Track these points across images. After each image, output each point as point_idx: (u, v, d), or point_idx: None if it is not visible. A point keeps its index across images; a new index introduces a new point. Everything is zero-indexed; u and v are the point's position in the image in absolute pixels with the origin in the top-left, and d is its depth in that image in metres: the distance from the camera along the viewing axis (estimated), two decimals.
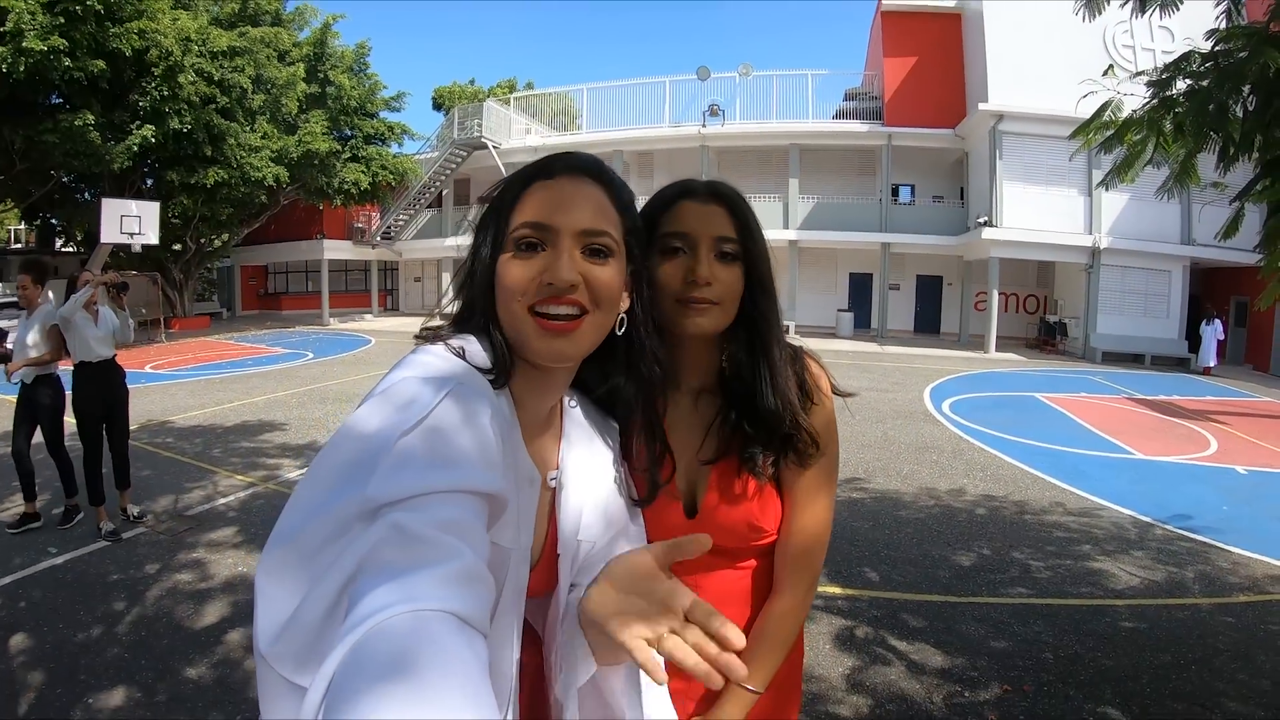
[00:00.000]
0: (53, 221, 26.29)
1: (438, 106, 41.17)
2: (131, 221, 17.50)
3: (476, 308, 0.94)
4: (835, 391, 1.32)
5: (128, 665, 3.46)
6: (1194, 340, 20.52)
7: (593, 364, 1.04)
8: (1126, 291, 20.80)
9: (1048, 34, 19.97)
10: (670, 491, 1.23)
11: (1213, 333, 19.19)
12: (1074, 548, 5.43)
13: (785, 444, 1.23)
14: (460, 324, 0.96)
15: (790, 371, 1.25)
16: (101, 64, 16.02)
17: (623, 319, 0.99)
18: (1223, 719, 3.31)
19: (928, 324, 27.12)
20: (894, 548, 5.26)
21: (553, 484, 1.02)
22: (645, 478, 1.13)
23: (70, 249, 29.68)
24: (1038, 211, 20.63)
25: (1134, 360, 20.13)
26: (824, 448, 1.26)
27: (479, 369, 0.87)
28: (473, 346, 0.89)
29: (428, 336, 0.93)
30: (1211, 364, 19.25)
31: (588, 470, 1.05)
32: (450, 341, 0.89)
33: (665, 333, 1.22)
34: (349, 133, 25.49)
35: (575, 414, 1.09)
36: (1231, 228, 4.50)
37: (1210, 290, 22.49)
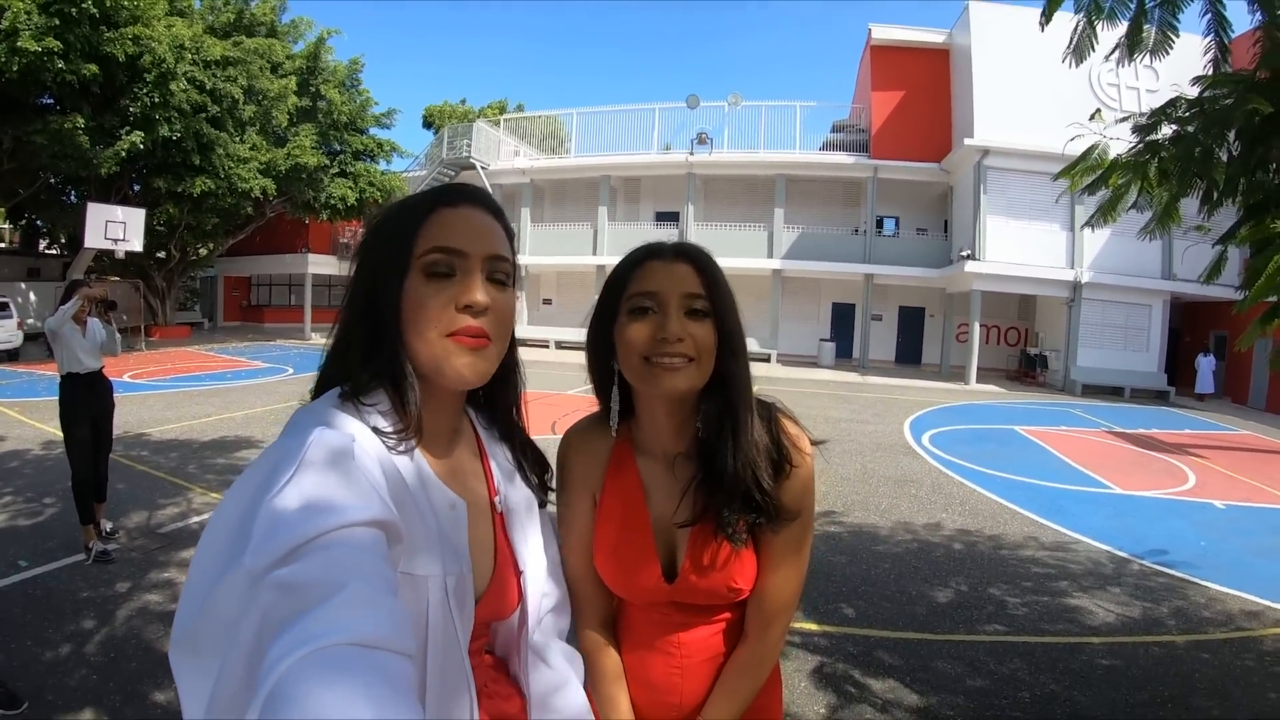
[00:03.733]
0: (38, 223, 26.10)
1: (428, 125, 41.26)
2: (116, 227, 17.40)
3: (386, 339, 0.93)
4: (811, 442, 1.31)
5: (96, 688, 3.40)
6: (1174, 373, 20.97)
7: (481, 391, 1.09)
8: (1107, 325, 21.09)
9: (1034, 71, 20.27)
10: (648, 555, 1.26)
11: (1208, 364, 20.07)
12: (1050, 584, 5.45)
13: (754, 509, 1.21)
14: (368, 360, 0.94)
15: (762, 432, 1.24)
16: (94, 68, 15.96)
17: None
18: None
19: (909, 355, 27.32)
20: (871, 583, 5.25)
21: (500, 508, 1.06)
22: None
23: (54, 251, 29.46)
24: (1020, 245, 20.90)
25: (1114, 393, 20.35)
26: (798, 512, 1.25)
27: (383, 430, 0.88)
28: (367, 411, 0.89)
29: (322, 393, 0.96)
30: (1209, 391, 20.18)
31: (515, 487, 1.11)
32: (346, 403, 0.90)
33: (636, 395, 1.26)
34: (338, 148, 25.50)
35: (488, 433, 1.13)
36: (1215, 270, 4.56)
37: (1190, 324, 22.91)
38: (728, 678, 1.29)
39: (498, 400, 1.14)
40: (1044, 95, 20.26)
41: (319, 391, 0.97)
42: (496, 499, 1.07)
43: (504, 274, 0.97)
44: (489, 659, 1.08)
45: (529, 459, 1.16)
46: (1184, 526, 7.35)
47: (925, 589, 5.20)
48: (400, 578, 0.79)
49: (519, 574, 1.06)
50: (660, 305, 1.18)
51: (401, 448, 0.89)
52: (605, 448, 1.32)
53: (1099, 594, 5.29)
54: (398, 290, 0.92)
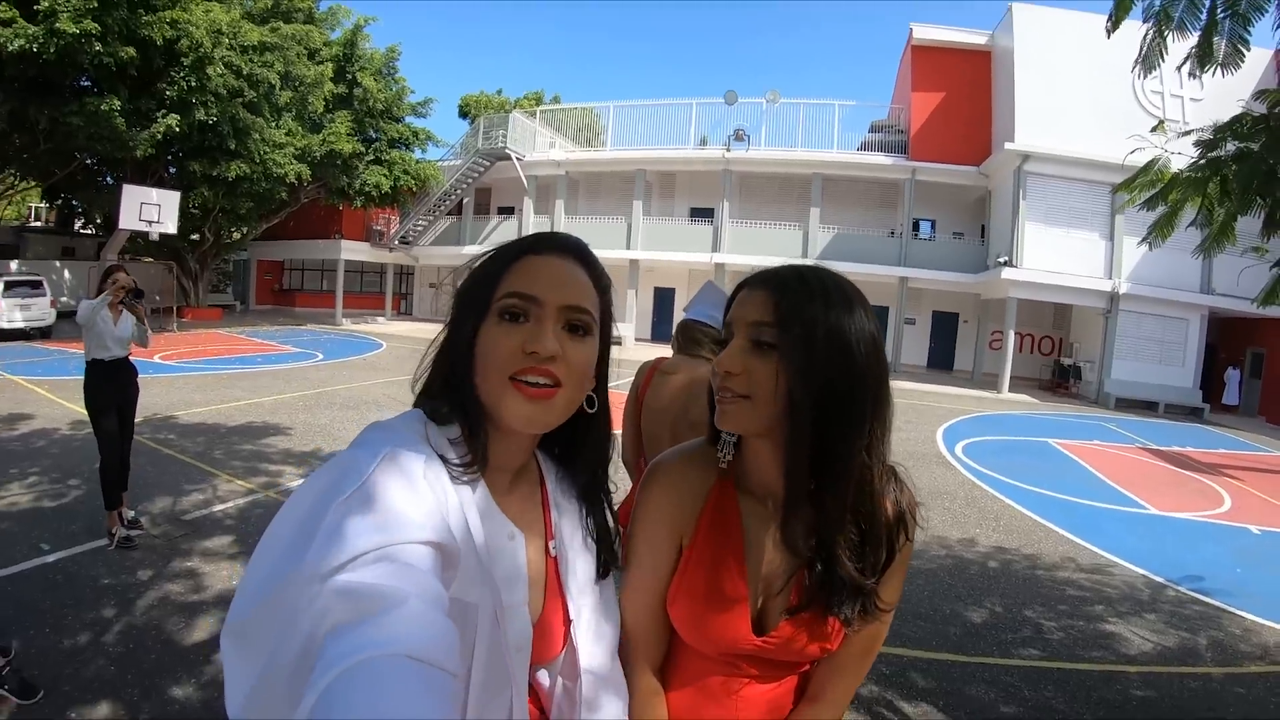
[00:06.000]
0: (73, 203, 26.45)
1: (463, 114, 41.36)
2: (151, 209, 17.63)
3: (458, 375, 0.96)
4: None
5: (113, 679, 3.36)
6: (1209, 390, 20.70)
7: (558, 440, 1.10)
8: (1143, 338, 20.65)
9: (1076, 76, 19.98)
10: (740, 608, 1.13)
11: (1235, 377, 20.60)
12: (1086, 608, 5.30)
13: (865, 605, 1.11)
14: (446, 393, 0.97)
15: (891, 505, 1.13)
16: (132, 51, 16.13)
17: (593, 398, 1.03)
18: None
19: (941, 360, 27.02)
20: (905, 600, 5.04)
21: (554, 553, 1.05)
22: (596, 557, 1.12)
23: (89, 231, 29.88)
24: (1058, 253, 20.52)
25: (1147, 408, 19.99)
26: (898, 590, 1.18)
27: (450, 460, 0.89)
28: (437, 437, 0.91)
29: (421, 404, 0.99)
30: (1234, 403, 20.68)
31: (578, 543, 1.09)
32: (417, 424, 0.92)
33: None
34: (373, 135, 25.59)
35: (558, 484, 1.11)
36: (1272, 293, 4.42)
37: (1226, 340, 22.41)
38: None
39: (576, 456, 1.11)
40: (1087, 101, 19.95)
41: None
42: (552, 543, 1.05)
43: (583, 324, 0.96)
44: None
45: (598, 528, 1.13)
46: (1220, 551, 7.18)
47: (960, 608, 5.08)
48: (451, 603, 0.78)
49: (568, 622, 1.04)
50: (732, 335, 1.11)
51: (465, 478, 0.90)
52: (704, 485, 1.18)
53: (1135, 620, 5.15)
54: (474, 330, 0.94)
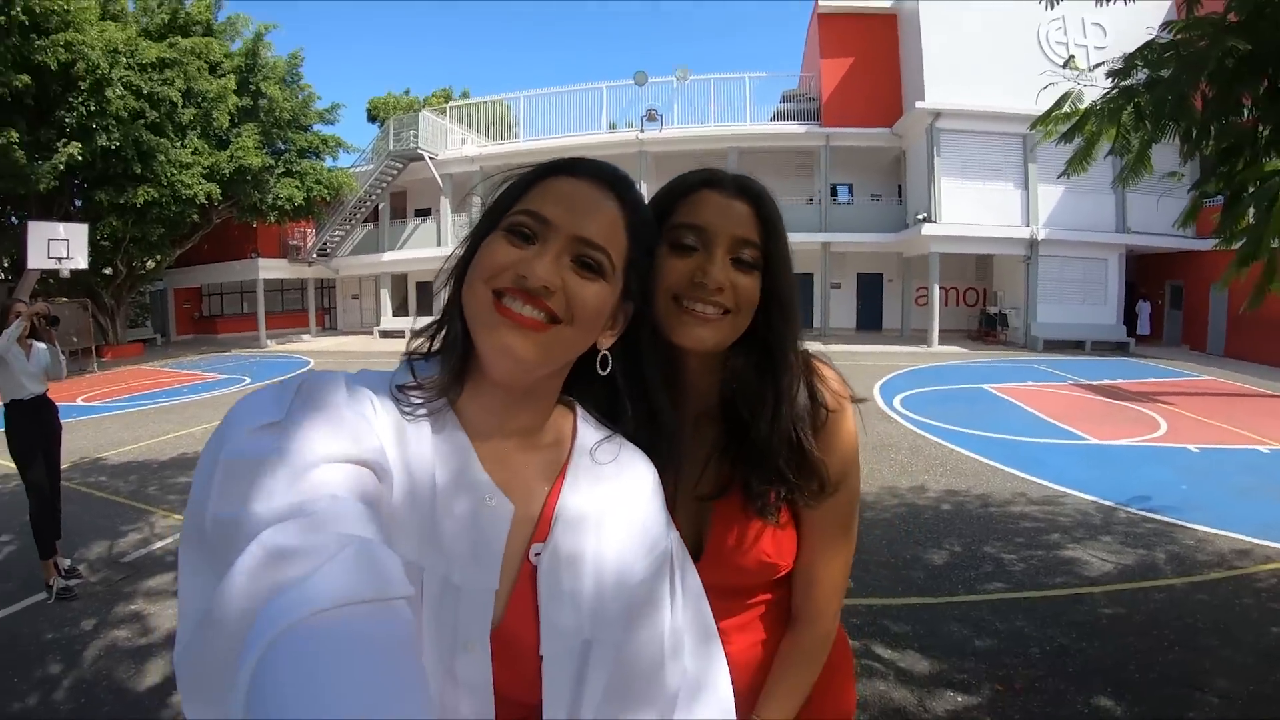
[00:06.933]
0: None
1: (372, 118, 40.33)
2: (59, 245, 16.80)
3: (450, 299, 0.85)
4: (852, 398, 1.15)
5: None
6: (1132, 325, 21.58)
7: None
8: (1065, 280, 21.29)
9: (982, 32, 20.35)
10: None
11: (1145, 309, 21.81)
12: (1043, 538, 5.43)
13: (786, 480, 1.06)
14: (442, 320, 0.86)
15: (802, 390, 1.09)
16: (26, 78, 15.52)
17: (606, 357, 0.89)
18: (1214, 697, 3.31)
19: (870, 321, 27.39)
20: (864, 551, 5.15)
21: (535, 559, 0.80)
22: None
23: None
24: (975, 206, 20.98)
25: (1075, 347, 20.59)
26: (839, 482, 1.09)
27: (402, 385, 0.79)
28: (404, 374, 0.82)
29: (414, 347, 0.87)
30: (1145, 333, 21.78)
31: (598, 535, 0.83)
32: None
33: (661, 345, 1.06)
34: (282, 146, 24.74)
35: (584, 458, 0.88)
36: (1190, 216, 4.54)
37: (1145, 275, 23.21)
38: (779, 672, 1.15)
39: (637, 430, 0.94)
40: (993, 55, 20.31)
41: None
42: (534, 547, 0.81)
43: (592, 261, 0.79)
44: None
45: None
46: (1163, 472, 7.41)
47: (920, 553, 5.15)
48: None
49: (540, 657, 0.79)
50: (705, 244, 1.03)
51: (412, 409, 0.77)
52: None
53: (1092, 544, 5.28)
54: (475, 246, 0.83)
